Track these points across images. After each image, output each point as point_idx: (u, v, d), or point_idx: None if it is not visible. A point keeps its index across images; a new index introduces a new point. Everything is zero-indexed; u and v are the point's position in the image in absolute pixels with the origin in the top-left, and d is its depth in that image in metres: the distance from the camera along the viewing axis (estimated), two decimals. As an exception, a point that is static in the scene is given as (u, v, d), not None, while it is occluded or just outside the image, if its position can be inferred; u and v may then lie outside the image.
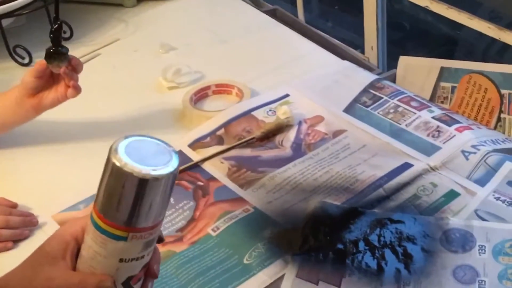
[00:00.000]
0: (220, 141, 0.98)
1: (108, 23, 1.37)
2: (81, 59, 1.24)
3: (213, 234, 0.81)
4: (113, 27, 1.37)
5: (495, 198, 0.81)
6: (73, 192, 0.90)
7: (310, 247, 0.77)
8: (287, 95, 1.07)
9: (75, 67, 0.91)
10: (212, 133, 0.99)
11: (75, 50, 1.26)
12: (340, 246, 0.77)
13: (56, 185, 0.93)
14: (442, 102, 1.11)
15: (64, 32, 1.31)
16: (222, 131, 0.99)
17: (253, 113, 1.03)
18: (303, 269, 0.75)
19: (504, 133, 1.01)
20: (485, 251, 0.74)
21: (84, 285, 0.53)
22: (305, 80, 1.11)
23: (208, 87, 1.11)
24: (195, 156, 0.95)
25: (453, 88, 1.11)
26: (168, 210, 0.86)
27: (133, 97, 1.13)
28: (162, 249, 0.80)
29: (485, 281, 0.70)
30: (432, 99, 1.10)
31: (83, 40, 1.32)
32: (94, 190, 0.52)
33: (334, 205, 0.83)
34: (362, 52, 1.30)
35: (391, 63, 1.25)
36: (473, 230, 0.76)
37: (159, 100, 1.13)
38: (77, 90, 0.91)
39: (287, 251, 0.77)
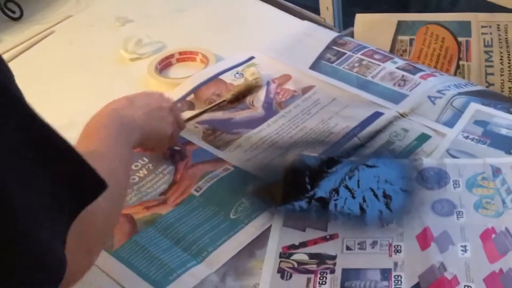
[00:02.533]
0: (191, 106, 0.98)
1: (59, 0, 1.35)
2: (34, 38, 1.23)
3: (197, 194, 0.82)
4: (64, 4, 1.34)
5: (464, 137, 0.85)
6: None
7: (293, 198, 0.79)
8: (252, 58, 1.08)
9: None
10: (183, 98, 0.99)
11: (27, 30, 1.25)
12: (322, 194, 0.79)
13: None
14: (401, 55, 1.14)
15: (14, 12, 1.28)
16: (192, 96, 1.00)
17: (221, 77, 1.04)
18: (289, 218, 0.77)
19: (464, 78, 1.05)
20: (459, 185, 0.77)
21: None
22: (268, 42, 1.12)
23: (171, 56, 1.11)
24: (168, 122, 0.95)
25: (411, 40, 1.15)
26: (148, 175, 0.87)
27: (95, 71, 1.12)
28: (147, 213, 0.81)
29: (462, 212, 0.74)
30: (391, 53, 1.13)
31: (34, 19, 1.30)
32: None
33: (312, 156, 0.85)
34: (318, 13, 1.32)
35: (348, 21, 1.27)
36: (446, 167, 0.80)
37: (122, 72, 1.12)
38: None
39: (272, 203, 0.79)
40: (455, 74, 1.08)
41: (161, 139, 0.82)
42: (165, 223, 0.79)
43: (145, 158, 0.89)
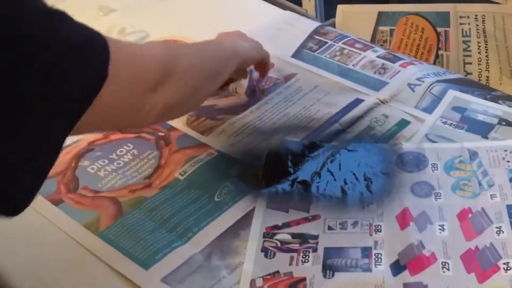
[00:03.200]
0: (175, 92, 0.99)
1: (40, -10, 1.35)
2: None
3: (181, 178, 0.84)
4: (46, -6, 1.34)
5: (442, 122, 0.88)
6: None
7: (276, 181, 0.81)
8: (235, 46, 1.09)
9: None
10: (167, 85, 1.00)
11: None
12: (304, 177, 0.81)
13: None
14: (382, 45, 1.16)
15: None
16: (175, 83, 1.01)
17: (204, 64, 1.05)
18: (272, 200, 0.78)
19: (443, 67, 1.08)
20: (437, 168, 0.80)
21: None
22: (250, 30, 1.13)
23: (156, 45, 1.12)
24: (153, 108, 0.96)
25: (392, 31, 1.17)
26: (133, 160, 0.88)
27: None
28: (132, 195, 0.82)
29: (440, 193, 0.76)
30: (372, 43, 1.15)
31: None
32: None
33: (294, 141, 0.87)
34: (300, 5, 1.33)
35: (330, 12, 1.30)
36: (425, 151, 0.82)
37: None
38: None
39: (255, 186, 0.81)
40: (434, 64, 1.11)
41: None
42: (150, 205, 0.80)
43: (129, 144, 0.90)
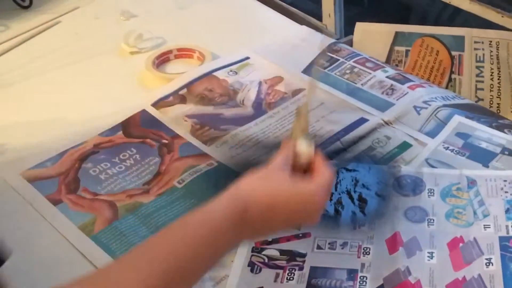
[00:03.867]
0: (183, 100, 1.01)
1: (67, -9, 1.38)
2: (41, 27, 1.26)
3: (179, 186, 0.84)
4: (71, -5, 1.38)
5: (444, 147, 0.87)
6: (41, 151, 0.92)
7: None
8: (247, 58, 1.10)
9: None
10: (175, 93, 1.02)
11: (34, 18, 1.28)
12: (300, 194, 0.81)
13: (24, 145, 0.95)
14: (397, 65, 1.16)
15: (23, 1, 1.32)
16: (184, 91, 1.02)
17: (215, 73, 1.06)
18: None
19: (455, 91, 1.07)
20: (434, 194, 0.79)
21: None
22: (265, 44, 1.14)
23: (170, 51, 1.14)
24: (158, 114, 0.97)
25: (407, 51, 1.17)
26: (134, 165, 0.89)
27: (96, 62, 1.15)
28: (129, 200, 0.83)
29: (433, 220, 0.75)
30: (387, 63, 1.15)
31: (42, 9, 1.33)
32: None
33: (294, 157, 0.87)
34: (320, 19, 1.33)
35: (349, 29, 1.29)
36: (423, 176, 0.82)
37: (121, 65, 1.14)
38: None
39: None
40: (446, 87, 1.10)
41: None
42: (145, 211, 0.81)
43: (133, 149, 0.91)
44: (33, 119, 1.01)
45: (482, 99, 1.05)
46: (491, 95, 1.05)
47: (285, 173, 0.58)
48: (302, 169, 0.62)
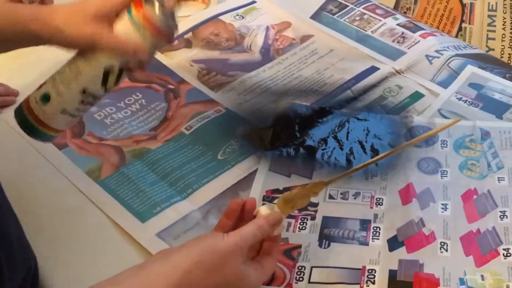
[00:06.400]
0: (188, 44, 0.98)
1: None
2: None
3: (187, 132, 0.83)
4: None
5: (457, 98, 0.85)
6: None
7: (281, 144, 0.79)
8: (254, 2, 1.07)
9: (46, 2, 0.92)
10: (180, 36, 0.99)
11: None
12: (310, 142, 0.79)
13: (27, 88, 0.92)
14: (405, 13, 1.13)
15: None
16: (189, 34, 0.99)
17: (220, 17, 1.03)
18: (275, 163, 0.77)
19: (465, 41, 1.05)
20: (447, 145, 0.78)
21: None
22: (272, -13, 1.11)
23: (173, -7, 1.10)
24: (164, 58, 0.95)
25: (416, -2, 1.13)
26: (140, 110, 0.87)
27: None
28: (136, 146, 0.81)
29: (447, 171, 0.75)
30: (394, 9, 1.12)
31: None
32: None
33: (303, 105, 0.86)
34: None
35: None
36: (436, 126, 0.80)
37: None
38: None
39: (260, 147, 0.80)
40: (456, 36, 1.07)
41: None
42: (153, 157, 0.79)
43: (138, 93, 0.89)
44: (34, 59, 0.97)
45: (493, 49, 1.03)
46: (502, 45, 1.03)
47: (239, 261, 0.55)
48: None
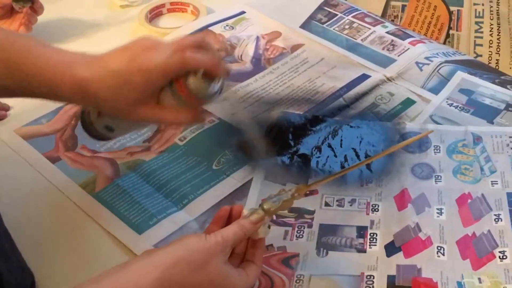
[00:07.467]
0: (179, 56, 0.97)
1: None
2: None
3: (180, 143, 0.83)
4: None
5: (448, 104, 0.86)
6: (34, 107, 0.89)
7: (276, 153, 0.80)
8: (243, 12, 1.07)
9: (36, 9, 0.92)
10: (172, 48, 0.99)
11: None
12: (304, 151, 0.80)
13: (18, 101, 0.91)
14: (392, 21, 1.14)
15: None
16: (181, 46, 0.99)
17: (210, 28, 1.03)
18: (270, 172, 0.78)
19: (453, 47, 1.06)
20: (440, 150, 0.79)
21: None
22: (261, -1, 1.12)
23: (162, 5, 1.10)
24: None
25: (403, 6, 1.15)
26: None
27: (86, 16, 1.11)
28: (130, 158, 0.81)
29: (441, 176, 0.75)
30: (383, 17, 1.13)
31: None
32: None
33: (296, 114, 0.86)
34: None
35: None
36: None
37: (112, 18, 1.11)
38: (29, 30, 0.96)
39: (254, 157, 0.80)
40: (444, 43, 1.09)
41: None
42: (147, 169, 0.79)
43: (130, 105, 0.89)
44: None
45: (481, 55, 1.05)
46: (490, 51, 1.05)
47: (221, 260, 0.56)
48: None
